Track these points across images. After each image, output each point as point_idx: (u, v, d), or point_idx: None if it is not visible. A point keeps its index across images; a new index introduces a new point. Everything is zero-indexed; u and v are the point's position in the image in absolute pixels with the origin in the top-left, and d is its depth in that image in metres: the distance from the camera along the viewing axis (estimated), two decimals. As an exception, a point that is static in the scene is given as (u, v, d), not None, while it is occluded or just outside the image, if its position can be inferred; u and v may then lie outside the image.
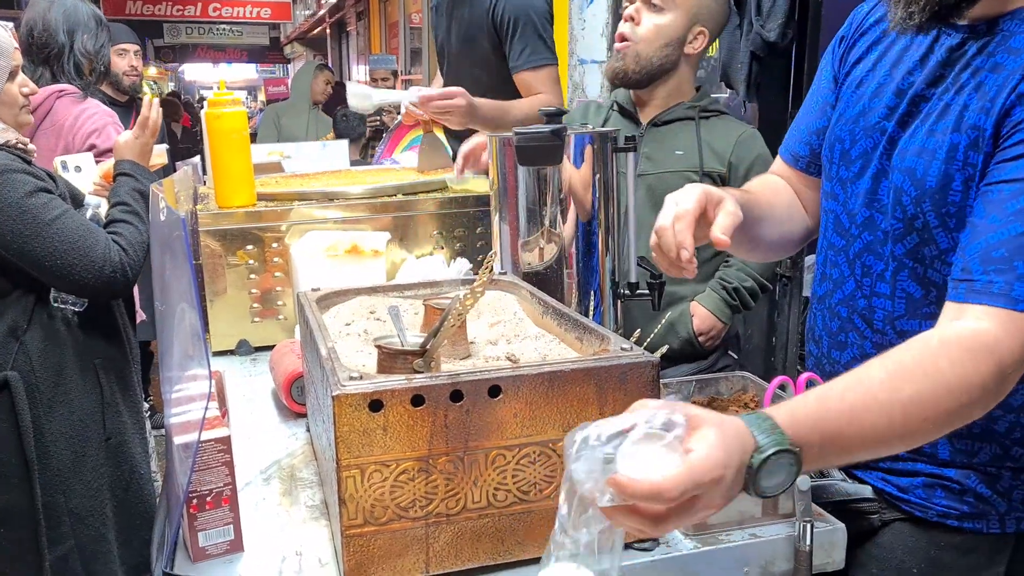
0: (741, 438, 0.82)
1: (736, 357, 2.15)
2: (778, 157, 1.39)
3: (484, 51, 2.55)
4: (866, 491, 1.20)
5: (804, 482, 1.08)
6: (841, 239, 1.22)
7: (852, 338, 1.20)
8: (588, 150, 1.57)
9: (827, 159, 1.25)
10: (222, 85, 1.98)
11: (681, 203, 1.09)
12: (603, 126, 2.00)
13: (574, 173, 1.57)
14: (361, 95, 2.36)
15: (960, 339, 0.94)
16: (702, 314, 1.94)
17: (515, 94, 2.52)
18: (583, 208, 1.59)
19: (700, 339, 1.95)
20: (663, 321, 1.60)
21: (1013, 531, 1.14)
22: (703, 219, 1.10)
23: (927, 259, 1.10)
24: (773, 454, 0.82)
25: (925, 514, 1.17)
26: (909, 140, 1.10)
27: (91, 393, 1.91)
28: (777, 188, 1.36)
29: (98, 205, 1.96)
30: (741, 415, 0.85)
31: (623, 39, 1.90)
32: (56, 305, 1.86)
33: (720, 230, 1.06)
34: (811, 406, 0.89)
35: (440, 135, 2.56)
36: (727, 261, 1.97)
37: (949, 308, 0.98)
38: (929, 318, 1.11)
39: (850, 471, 1.24)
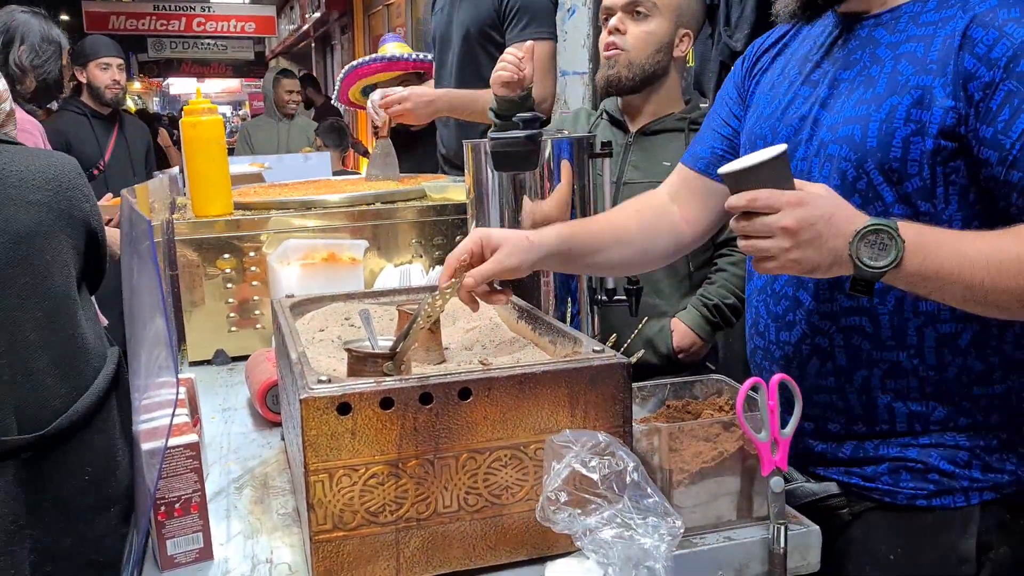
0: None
1: (714, 369, 2.14)
2: (678, 166, 1.43)
3: (487, 44, 2.52)
4: (831, 487, 1.21)
5: (777, 483, 1.07)
6: None
7: (799, 315, 1.22)
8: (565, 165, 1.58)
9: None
10: (199, 93, 1.97)
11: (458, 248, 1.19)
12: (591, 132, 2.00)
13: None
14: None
15: None
16: (682, 331, 1.92)
17: None
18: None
19: (680, 356, 1.93)
20: (642, 330, 1.59)
21: (977, 503, 1.16)
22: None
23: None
24: (871, 226, 0.99)
25: (894, 499, 1.19)
26: (836, 116, 1.17)
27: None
28: (638, 209, 1.40)
29: None
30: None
31: (613, 47, 1.88)
32: None
33: (471, 276, 1.15)
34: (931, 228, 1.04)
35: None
36: (710, 278, 1.96)
37: None
38: None
39: (811, 471, 1.25)
